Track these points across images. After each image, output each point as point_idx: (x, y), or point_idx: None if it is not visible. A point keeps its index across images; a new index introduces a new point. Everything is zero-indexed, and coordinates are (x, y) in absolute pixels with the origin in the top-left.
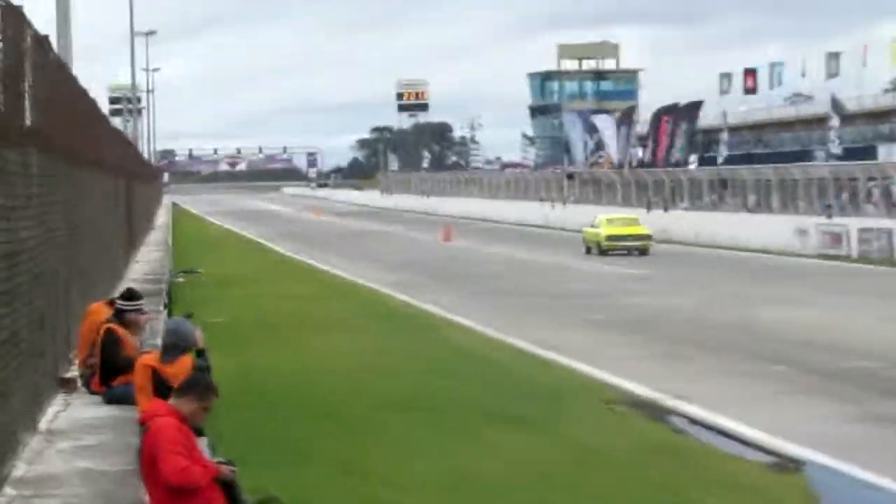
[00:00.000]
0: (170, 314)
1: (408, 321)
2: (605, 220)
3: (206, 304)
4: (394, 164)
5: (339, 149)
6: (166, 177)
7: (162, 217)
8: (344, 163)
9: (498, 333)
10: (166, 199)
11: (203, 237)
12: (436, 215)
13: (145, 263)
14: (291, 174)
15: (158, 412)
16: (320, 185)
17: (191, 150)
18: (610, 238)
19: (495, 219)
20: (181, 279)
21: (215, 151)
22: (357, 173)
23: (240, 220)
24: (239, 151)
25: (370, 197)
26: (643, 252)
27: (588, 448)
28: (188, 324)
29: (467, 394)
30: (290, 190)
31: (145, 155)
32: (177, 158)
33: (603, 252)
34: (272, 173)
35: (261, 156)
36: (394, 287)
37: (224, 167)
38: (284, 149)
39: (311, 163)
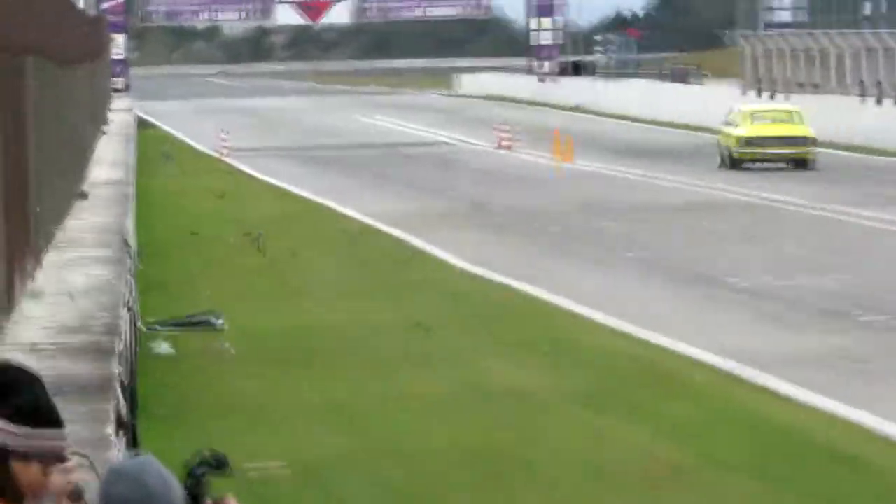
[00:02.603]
0: (134, 441)
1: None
2: (747, 113)
3: (235, 420)
4: (775, 11)
5: None
6: (121, 45)
7: (109, 159)
8: (634, 6)
9: None
10: (123, 110)
11: (226, 221)
12: None
13: (56, 301)
14: (482, 39)
15: None
16: (566, 70)
17: None
18: (747, 142)
19: None
20: (166, 348)
21: None
22: (675, 36)
23: (339, 169)
24: None
25: (711, 99)
26: (801, 163)
27: None
28: (176, 484)
29: None
30: (478, 80)
31: None
32: (150, 2)
33: (735, 164)
34: (429, 36)
35: None
36: (810, 371)
37: (290, 17)
38: None
39: (543, 8)
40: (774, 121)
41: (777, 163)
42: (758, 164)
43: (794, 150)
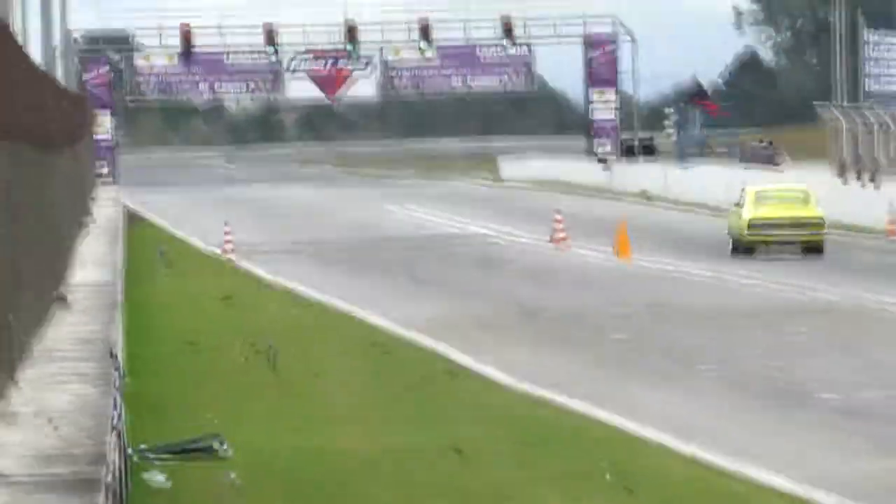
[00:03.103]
0: None
1: None
2: (753, 194)
3: None
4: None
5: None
6: (107, 125)
7: (94, 259)
8: (711, 73)
9: None
10: (110, 201)
11: (232, 330)
12: None
13: (33, 425)
14: (528, 115)
15: None
16: (632, 150)
17: (187, 35)
18: (755, 226)
19: None
20: (161, 479)
21: (272, 47)
22: (753, 110)
23: (365, 269)
24: (351, 47)
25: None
26: (813, 248)
27: None
28: None
29: None
30: (527, 164)
31: (33, 51)
32: (141, 74)
33: (747, 249)
34: (467, 112)
35: (429, 62)
36: None
37: (304, 91)
38: (505, 34)
39: (603, 79)
40: (783, 201)
41: (787, 248)
42: (773, 251)
43: (805, 234)
